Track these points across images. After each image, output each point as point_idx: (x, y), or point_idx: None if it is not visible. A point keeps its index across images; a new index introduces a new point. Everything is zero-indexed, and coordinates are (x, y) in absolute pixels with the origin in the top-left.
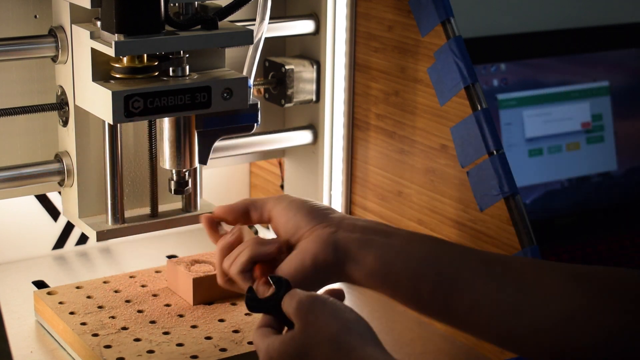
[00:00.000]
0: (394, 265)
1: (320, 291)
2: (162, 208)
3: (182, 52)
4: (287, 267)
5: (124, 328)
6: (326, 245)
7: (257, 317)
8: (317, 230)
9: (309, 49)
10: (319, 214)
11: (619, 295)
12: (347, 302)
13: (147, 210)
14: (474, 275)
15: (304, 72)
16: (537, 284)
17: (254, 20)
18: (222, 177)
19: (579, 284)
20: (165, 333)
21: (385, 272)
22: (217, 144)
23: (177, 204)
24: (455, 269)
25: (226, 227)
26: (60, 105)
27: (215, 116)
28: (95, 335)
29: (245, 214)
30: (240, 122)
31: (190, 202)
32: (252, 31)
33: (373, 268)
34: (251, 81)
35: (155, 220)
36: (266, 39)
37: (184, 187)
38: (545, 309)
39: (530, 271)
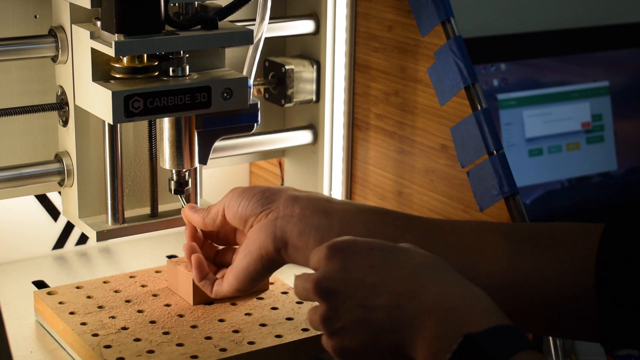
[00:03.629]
0: None
1: None
2: (162, 208)
3: (182, 52)
4: (238, 268)
5: (124, 328)
6: (267, 237)
7: (257, 316)
8: (261, 220)
9: (309, 49)
10: (263, 200)
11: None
12: None
13: (147, 210)
14: (416, 244)
15: (304, 72)
16: (476, 244)
17: (254, 20)
18: (222, 177)
19: (509, 238)
20: (165, 333)
21: None
22: (217, 144)
23: (177, 204)
24: (397, 241)
25: None
26: (60, 105)
27: (215, 116)
28: (95, 335)
29: (222, 224)
30: (240, 122)
31: (190, 202)
32: (252, 31)
33: None
34: (251, 81)
35: (155, 220)
36: (266, 39)
37: (184, 187)
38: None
39: (469, 232)
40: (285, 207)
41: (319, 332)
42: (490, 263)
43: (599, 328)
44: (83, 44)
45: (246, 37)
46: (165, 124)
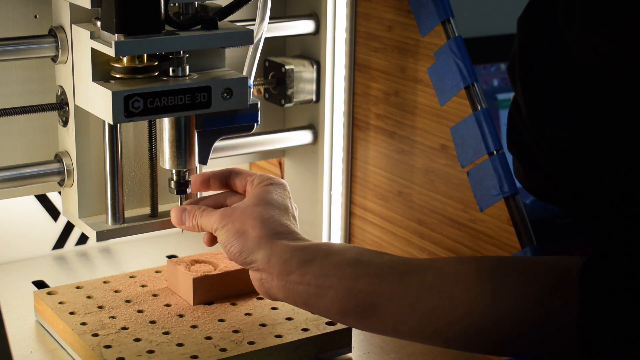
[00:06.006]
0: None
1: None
2: (162, 208)
3: (182, 52)
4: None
5: (124, 328)
6: (262, 294)
7: (257, 316)
8: (249, 273)
9: (309, 49)
10: (243, 260)
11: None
12: None
13: (147, 210)
14: (392, 289)
15: (304, 72)
16: (454, 282)
17: (254, 20)
18: None
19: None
20: (165, 333)
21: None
22: (217, 144)
23: (177, 204)
24: (375, 292)
25: None
26: (60, 105)
27: (215, 116)
28: (95, 335)
29: (226, 181)
30: (240, 122)
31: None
32: (252, 31)
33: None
34: (251, 81)
35: (155, 220)
36: (266, 39)
37: (184, 187)
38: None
39: (446, 270)
40: (264, 268)
41: (319, 332)
42: (470, 299)
43: (582, 351)
44: (83, 44)
45: (246, 37)
46: (165, 124)
